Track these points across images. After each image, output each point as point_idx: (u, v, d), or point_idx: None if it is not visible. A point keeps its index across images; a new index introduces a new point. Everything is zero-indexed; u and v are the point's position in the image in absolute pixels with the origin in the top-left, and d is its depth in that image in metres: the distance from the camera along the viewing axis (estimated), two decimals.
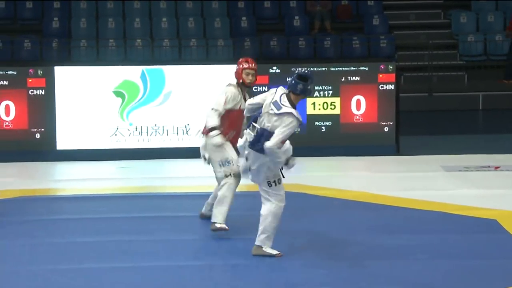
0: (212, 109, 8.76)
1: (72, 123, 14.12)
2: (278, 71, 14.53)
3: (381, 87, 14.42)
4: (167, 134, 14.14)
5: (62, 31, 17.23)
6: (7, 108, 14.10)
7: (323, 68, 14.66)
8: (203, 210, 9.36)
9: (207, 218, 9.05)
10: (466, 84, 18.80)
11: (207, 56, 17.01)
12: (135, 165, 13.28)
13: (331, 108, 14.51)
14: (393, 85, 14.44)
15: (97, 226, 9.37)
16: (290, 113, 7.71)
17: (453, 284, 7.24)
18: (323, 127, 14.26)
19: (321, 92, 14.44)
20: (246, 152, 7.94)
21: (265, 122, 7.80)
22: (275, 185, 7.92)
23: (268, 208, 7.90)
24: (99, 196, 10.94)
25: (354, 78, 14.50)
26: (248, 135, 7.91)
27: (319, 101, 14.45)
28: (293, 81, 7.84)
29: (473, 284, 7.21)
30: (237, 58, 16.22)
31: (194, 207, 9.99)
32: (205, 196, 9.56)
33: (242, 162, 8.15)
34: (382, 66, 14.57)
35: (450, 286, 7.18)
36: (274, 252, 7.90)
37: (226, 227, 8.53)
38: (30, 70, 14.20)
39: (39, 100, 14.08)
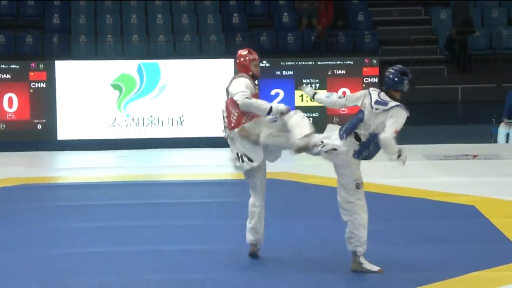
0: (245, 98, 7.28)
1: (72, 114, 14.13)
2: (268, 65, 14.56)
3: (366, 80, 14.48)
4: (163, 125, 14.16)
5: (63, 27, 17.18)
6: (10, 100, 14.09)
7: (311, 62, 14.69)
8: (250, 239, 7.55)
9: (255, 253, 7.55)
10: (445, 77, 18.84)
11: (200, 50, 17.01)
12: (132, 154, 13.30)
13: None
14: (377, 78, 14.49)
15: (98, 212, 9.39)
16: (399, 106, 7.18)
17: (433, 267, 7.28)
18: (311, 119, 14.30)
19: (309, 85, 14.46)
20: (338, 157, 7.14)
21: (371, 125, 7.18)
22: (361, 187, 7.24)
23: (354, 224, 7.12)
24: (99, 184, 10.96)
25: (340, 71, 14.54)
26: (349, 144, 7.12)
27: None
28: (396, 78, 7.25)
29: (452, 267, 7.24)
30: (229, 52, 16.31)
31: (190, 193, 10.04)
32: (199, 183, 9.56)
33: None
34: (366, 60, 14.62)
35: (430, 269, 7.22)
36: (374, 268, 7.11)
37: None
38: (32, 64, 14.18)
39: (41, 92, 14.08)
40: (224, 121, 7.54)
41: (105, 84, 14.09)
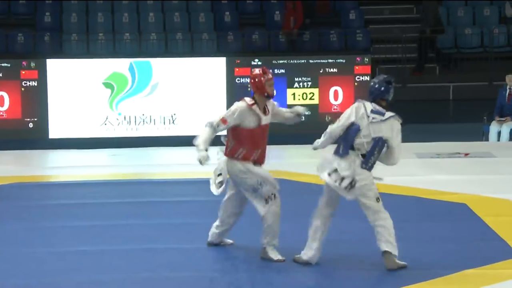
0: (206, 124, 7.44)
1: (63, 113, 14.08)
2: (259, 63, 14.53)
3: (358, 78, 14.46)
4: (155, 123, 14.13)
5: (54, 26, 17.14)
6: (1, 98, 14.04)
7: (302, 61, 14.68)
8: (210, 238, 7.83)
9: (214, 245, 7.77)
10: (437, 76, 18.85)
11: (192, 49, 16.97)
12: (124, 153, 13.25)
13: (310, 99, 14.53)
14: (368, 77, 14.48)
15: (89, 211, 9.35)
16: (394, 116, 7.30)
17: (424, 265, 7.28)
18: (303, 117, 14.26)
19: (301, 83, 14.45)
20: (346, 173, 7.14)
21: (370, 133, 7.17)
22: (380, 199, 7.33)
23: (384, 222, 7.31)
24: (90, 183, 10.91)
25: (331, 70, 14.53)
26: (353, 159, 7.14)
27: (298, 91, 14.47)
28: (382, 88, 7.36)
29: (443, 265, 7.24)
30: (221, 51, 16.30)
31: (180, 192, 10.01)
32: (191, 182, 9.55)
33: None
34: (358, 59, 14.61)
35: (422, 267, 7.21)
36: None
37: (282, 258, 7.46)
38: (23, 63, 14.14)
39: (32, 91, 14.03)
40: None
41: (97, 83, 14.05)
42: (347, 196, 7.22)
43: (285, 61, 14.70)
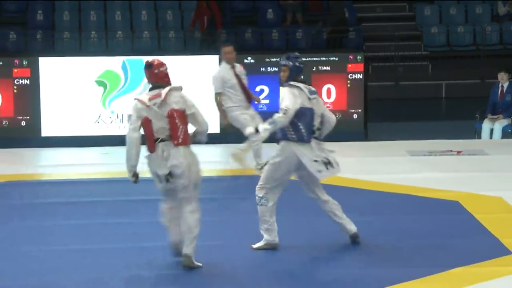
0: None
1: (56, 111, 14.06)
2: (252, 61, 14.54)
3: (350, 76, 14.48)
4: None
5: (46, 23, 17.10)
6: None
7: None
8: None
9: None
10: (430, 74, 18.89)
11: (184, 47, 16.96)
12: (117, 151, 13.23)
13: None
14: (361, 75, 14.50)
15: (82, 209, 9.35)
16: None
17: (416, 262, 7.30)
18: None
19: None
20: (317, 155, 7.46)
21: (318, 111, 7.53)
22: None
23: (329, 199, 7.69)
24: (83, 181, 10.91)
25: (324, 68, 14.54)
26: (315, 142, 7.49)
27: None
28: (301, 65, 7.58)
29: (438, 262, 7.27)
30: (213, 49, 16.25)
31: None
32: None
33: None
34: (351, 57, 14.62)
35: (414, 264, 7.23)
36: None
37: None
38: (15, 61, 14.11)
39: (24, 89, 14.01)
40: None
41: (90, 81, 14.04)
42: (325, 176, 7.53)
43: (278, 59, 14.65)
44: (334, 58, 14.60)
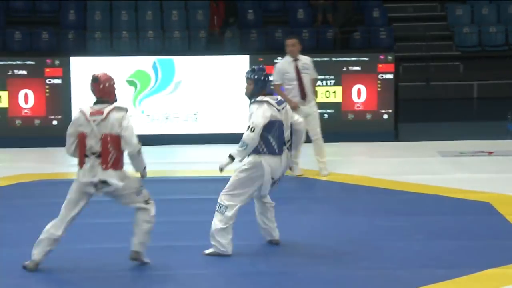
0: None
1: None
2: (277, 67, 14.48)
3: (381, 76, 14.40)
4: (177, 121, 14.15)
5: (78, 23, 17.22)
6: (26, 96, 14.12)
7: (326, 59, 14.63)
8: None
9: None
10: (461, 74, 18.75)
11: (216, 47, 16.98)
12: (146, 150, 13.25)
13: (333, 97, 14.50)
14: (392, 75, 14.42)
15: (112, 208, 9.36)
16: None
17: (448, 263, 7.24)
18: (326, 115, 14.25)
19: (324, 82, 14.41)
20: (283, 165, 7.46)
21: (288, 123, 7.47)
22: None
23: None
24: None
25: (355, 68, 14.48)
26: (286, 154, 7.44)
27: (321, 89, 14.43)
28: (263, 78, 7.42)
29: (469, 263, 7.20)
30: (244, 49, 16.29)
31: (203, 190, 10.01)
32: (213, 180, 9.53)
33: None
34: (381, 57, 14.55)
35: (446, 266, 7.18)
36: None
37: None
38: (47, 60, 14.21)
39: (56, 88, 14.11)
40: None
41: (121, 80, 14.09)
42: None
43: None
44: (365, 58, 14.54)
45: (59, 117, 14.09)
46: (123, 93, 14.01)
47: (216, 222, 7.40)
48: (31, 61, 14.22)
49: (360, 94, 14.41)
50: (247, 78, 7.49)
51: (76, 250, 7.64)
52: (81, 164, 6.96)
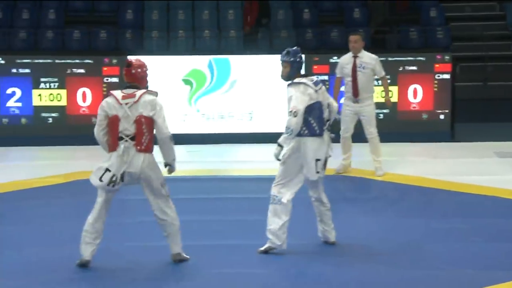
0: None
1: None
2: (338, 60, 14.42)
3: (438, 76, 14.25)
4: (232, 120, 14.17)
5: (136, 23, 17.33)
6: (84, 94, 14.28)
7: (382, 58, 14.48)
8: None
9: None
10: None
11: (270, 46, 16.96)
12: (201, 149, 13.33)
13: (389, 96, 14.37)
14: (449, 75, 14.26)
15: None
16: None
17: (509, 265, 7.11)
18: (381, 115, 14.14)
19: (379, 81, 14.30)
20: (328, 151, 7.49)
21: (325, 103, 7.51)
22: None
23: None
24: (167, 179, 10.96)
25: (411, 67, 14.35)
26: (327, 135, 7.48)
27: (376, 89, 14.31)
28: (298, 59, 7.54)
29: None
30: (300, 48, 16.18)
31: (258, 189, 10.00)
32: (268, 179, 9.52)
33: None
34: (438, 56, 14.40)
35: (504, 267, 7.06)
36: None
37: None
38: (105, 59, 14.35)
39: (113, 87, 14.22)
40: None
41: (177, 79, 14.16)
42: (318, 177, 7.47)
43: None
44: (421, 58, 14.39)
45: None
46: (179, 92, 14.13)
47: (271, 216, 7.39)
48: (89, 60, 14.38)
49: (416, 94, 14.27)
50: (283, 61, 7.56)
51: (118, 247, 7.68)
52: (114, 146, 6.96)
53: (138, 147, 6.91)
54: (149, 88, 7.16)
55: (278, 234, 7.37)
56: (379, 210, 9.21)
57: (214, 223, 8.59)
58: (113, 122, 6.94)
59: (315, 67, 14.36)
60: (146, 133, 6.93)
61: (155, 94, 7.10)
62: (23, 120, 14.27)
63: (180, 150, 13.04)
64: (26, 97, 14.28)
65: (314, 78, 7.58)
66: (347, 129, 11.05)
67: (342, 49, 16.36)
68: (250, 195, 9.91)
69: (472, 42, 18.15)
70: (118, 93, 7.05)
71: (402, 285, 6.67)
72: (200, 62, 14.25)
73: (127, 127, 6.92)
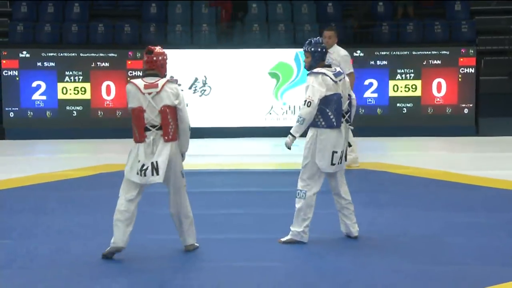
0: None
1: None
2: (362, 54, 14.40)
3: (462, 70, 14.18)
4: None
5: (159, 16, 17.38)
6: (108, 88, 14.35)
7: (406, 52, 14.47)
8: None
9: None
10: None
11: (294, 40, 16.94)
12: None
13: (412, 90, 14.32)
14: (473, 69, 14.19)
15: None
16: (343, 70, 7.63)
17: None
18: (405, 109, 14.11)
19: (403, 75, 14.25)
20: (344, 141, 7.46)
21: (345, 95, 7.47)
22: None
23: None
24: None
25: (435, 61, 14.28)
26: (344, 126, 7.44)
27: (400, 83, 14.29)
28: (320, 49, 7.44)
29: None
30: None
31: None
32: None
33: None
34: (463, 50, 14.33)
35: None
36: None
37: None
38: (129, 53, 14.40)
39: None
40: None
41: (263, 73, 14.22)
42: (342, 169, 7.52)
43: (388, 53, 14.53)
44: (446, 52, 14.33)
45: None
46: (264, 85, 14.20)
47: (296, 209, 7.41)
48: (113, 53, 14.44)
49: (440, 88, 14.21)
50: (305, 51, 7.53)
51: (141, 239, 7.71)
52: (141, 138, 6.95)
53: (166, 137, 6.93)
54: (168, 77, 7.11)
55: (298, 230, 7.40)
56: (402, 204, 9.18)
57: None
58: (138, 113, 6.95)
59: None
60: (171, 123, 6.95)
61: (176, 81, 7.09)
62: (48, 113, 14.37)
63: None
64: (51, 91, 14.37)
65: (337, 69, 7.54)
66: None
67: (365, 43, 16.33)
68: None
69: (497, 36, 18.03)
70: (139, 82, 7.04)
71: (425, 279, 6.65)
72: (287, 55, 14.26)
73: (152, 117, 6.93)
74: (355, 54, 14.33)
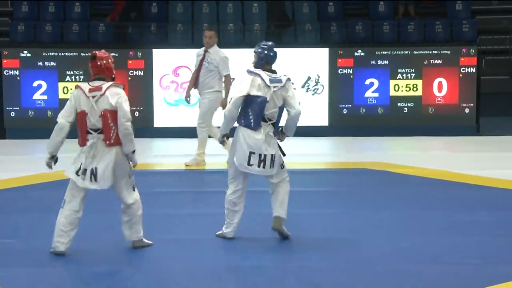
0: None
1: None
2: (362, 54, 14.43)
3: (463, 70, 14.21)
4: None
5: (160, 16, 17.40)
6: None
7: (406, 52, 14.50)
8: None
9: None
10: None
11: (295, 39, 16.96)
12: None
13: (413, 90, 14.35)
14: (474, 68, 14.21)
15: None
16: (289, 79, 7.44)
17: None
18: (406, 108, 14.13)
19: (404, 75, 14.29)
20: (263, 146, 7.34)
21: (276, 102, 7.34)
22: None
23: (286, 189, 7.55)
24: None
25: (436, 61, 14.31)
26: (267, 130, 7.35)
27: (401, 83, 14.32)
28: (266, 52, 7.40)
29: None
30: (324, 41, 16.22)
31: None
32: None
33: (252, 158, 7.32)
34: (464, 50, 14.35)
35: None
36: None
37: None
38: (130, 53, 14.43)
39: (138, 80, 14.30)
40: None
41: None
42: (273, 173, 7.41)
43: (389, 52, 14.56)
44: (447, 52, 14.35)
45: (141, 108, 14.30)
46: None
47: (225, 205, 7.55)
48: (114, 53, 14.45)
49: (441, 88, 14.24)
50: (254, 52, 7.53)
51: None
52: (83, 141, 7.00)
53: (107, 142, 6.94)
54: (114, 81, 7.12)
55: (225, 224, 7.53)
56: (403, 204, 9.20)
57: None
58: (81, 117, 7.00)
59: (339, 60, 14.39)
60: (113, 127, 6.92)
61: (121, 86, 7.07)
62: (49, 113, 14.39)
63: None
64: (52, 90, 14.40)
65: (282, 77, 7.41)
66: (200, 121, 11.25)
67: (366, 43, 16.37)
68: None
69: (498, 36, 18.05)
70: (85, 86, 7.10)
71: (424, 279, 6.67)
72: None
73: (94, 121, 6.96)
74: (356, 53, 14.36)
